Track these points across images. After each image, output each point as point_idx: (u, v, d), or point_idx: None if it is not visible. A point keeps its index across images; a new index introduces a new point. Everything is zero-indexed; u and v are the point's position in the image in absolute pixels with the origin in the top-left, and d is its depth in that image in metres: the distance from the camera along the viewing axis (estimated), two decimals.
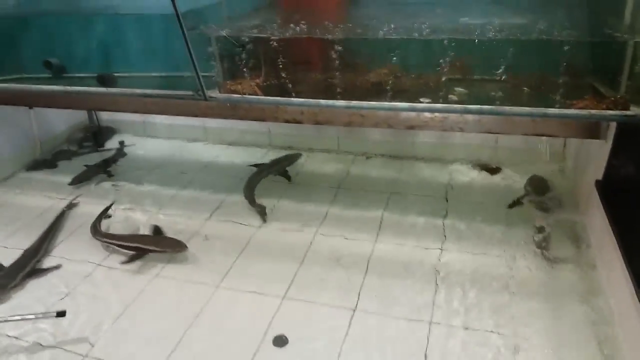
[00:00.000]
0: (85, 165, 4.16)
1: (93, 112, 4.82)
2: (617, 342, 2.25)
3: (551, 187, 3.45)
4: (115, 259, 3.06)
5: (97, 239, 3.18)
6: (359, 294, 2.66)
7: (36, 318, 2.53)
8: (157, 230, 3.27)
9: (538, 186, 3.45)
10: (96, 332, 2.52)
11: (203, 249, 3.09)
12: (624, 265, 2.19)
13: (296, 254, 3.00)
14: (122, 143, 4.66)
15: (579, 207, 3.21)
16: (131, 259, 3.00)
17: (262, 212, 3.43)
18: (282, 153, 4.22)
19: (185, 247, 2.99)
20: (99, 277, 2.94)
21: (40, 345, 2.45)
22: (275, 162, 4.01)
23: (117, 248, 3.09)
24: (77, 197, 3.74)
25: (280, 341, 2.40)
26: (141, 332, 2.51)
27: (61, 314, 2.49)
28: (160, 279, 2.89)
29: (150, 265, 2.98)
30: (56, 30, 3.40)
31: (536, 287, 2.63)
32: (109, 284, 2.87)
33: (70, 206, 3.63)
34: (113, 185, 3.95)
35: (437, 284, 2.70)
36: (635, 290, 2.02)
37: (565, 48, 2.40)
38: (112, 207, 3.57)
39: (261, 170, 3.88)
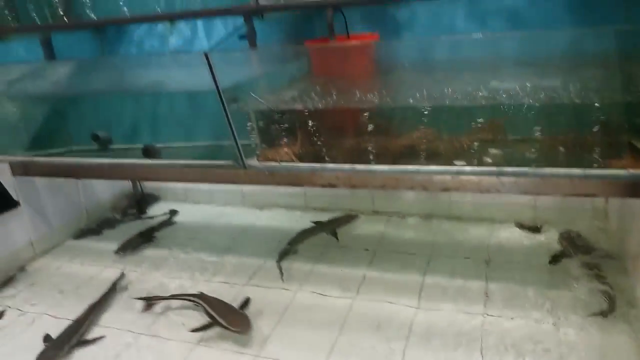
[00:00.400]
0: (140, 233, 4.28)
1: (137, 181, 5.03)
2: None
3: (582, 241, 3.41)
4: (159, 327, 3.10)
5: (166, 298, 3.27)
6: None
7: None
8: (245, 303, 3.19)
9: (572, 240, 3.42)
10: None
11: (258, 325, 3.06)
12: None
13: (335, 320, 2.97)
14: (172, 212, 4.74)
15: (627, 268, 3.08)
16: (203, 328, 2.95)
17: (280, 270, 3.55)
18: (322, 214, 4.30)
19: (250, 330, 2.85)
20: (142, 346, 2.96)
21: None
22: (332, 221, 4.11)
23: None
24: (124, 270, 3.77)
25: None
26: None
27: None
28: (202, 347, 2.89)
29: (191, 333, 3.00)
30: (104, 105, 3.64)
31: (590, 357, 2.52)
32: (152, 353, 2.90)
33: (121, 279, 3.66)
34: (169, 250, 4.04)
35: (483, 353, 2.61)
36: None
37: (601, 107, 2.40)
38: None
39: (312, 229, 3.99)
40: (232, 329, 2.82)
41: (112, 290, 3.49)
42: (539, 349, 2.58)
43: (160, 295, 3.33)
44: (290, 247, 3.79)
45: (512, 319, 2.83)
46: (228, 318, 2.88)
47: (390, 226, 4.08)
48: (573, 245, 3.37)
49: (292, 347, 2.79)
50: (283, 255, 3.70)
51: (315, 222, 4.08)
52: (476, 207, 3.99)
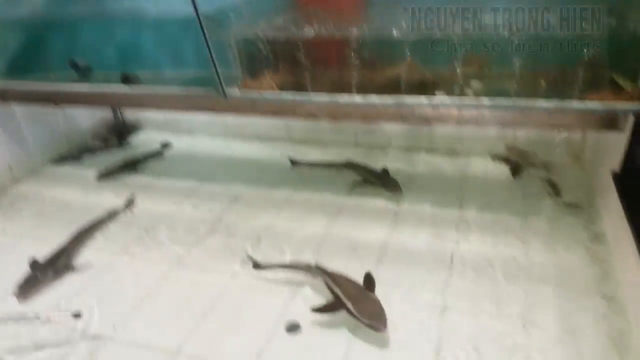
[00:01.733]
0: (125, 162, 4.24)
1: (117, 108, 4.95)
2: (631, 336, 2.27)
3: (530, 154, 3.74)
4: (141, 249, 3.18)
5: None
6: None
7: (52, 318, 2.60)
8: (368, 280, 2.57)
9: (518, 153, 3.79)
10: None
11: (234, 246, 3.18)
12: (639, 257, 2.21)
13: (312, 246, 3.07)
14: (165, 145, 4.65)
15: (596, 198, 3.22)
16: (327, 309, 2.50)
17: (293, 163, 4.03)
18: (305, 147, 4.38)
19: (385, 327, 2.29)
20: (124, 267, 3.06)
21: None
22: (377, 175, 3.73)
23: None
24: (132, 198, 3.76)
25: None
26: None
27: (77, 315, 2.56)
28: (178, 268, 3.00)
29: (178, 263, 3.08)
30: (81, 32, 3.49)
31: (550, 276, 2.68)
32: (131, 275, 2.99)
33: (128, 204, 3.68)
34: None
35: (451, 270, 2.77)
36: None
37: (585, 42, 2.40)
38: None
39: (352, 164, 3.88)
40: (365, 321, 2.32)
41: (108, 218, 3.50)
42: (504, 268, 2.77)
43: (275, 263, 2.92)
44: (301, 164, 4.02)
45: (483, 242, 2.99)
46: (358, 305, 2.38)
47: (371, 158, 4.11)
48: (520, 155, 3.74)
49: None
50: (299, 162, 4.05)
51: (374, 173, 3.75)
52: (455, 140, 4.05)
